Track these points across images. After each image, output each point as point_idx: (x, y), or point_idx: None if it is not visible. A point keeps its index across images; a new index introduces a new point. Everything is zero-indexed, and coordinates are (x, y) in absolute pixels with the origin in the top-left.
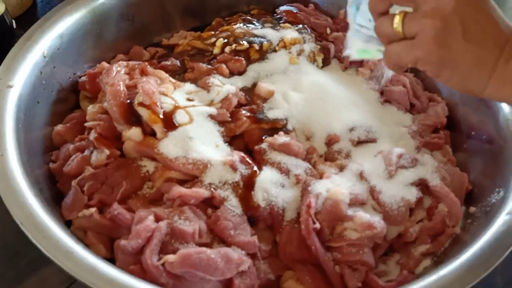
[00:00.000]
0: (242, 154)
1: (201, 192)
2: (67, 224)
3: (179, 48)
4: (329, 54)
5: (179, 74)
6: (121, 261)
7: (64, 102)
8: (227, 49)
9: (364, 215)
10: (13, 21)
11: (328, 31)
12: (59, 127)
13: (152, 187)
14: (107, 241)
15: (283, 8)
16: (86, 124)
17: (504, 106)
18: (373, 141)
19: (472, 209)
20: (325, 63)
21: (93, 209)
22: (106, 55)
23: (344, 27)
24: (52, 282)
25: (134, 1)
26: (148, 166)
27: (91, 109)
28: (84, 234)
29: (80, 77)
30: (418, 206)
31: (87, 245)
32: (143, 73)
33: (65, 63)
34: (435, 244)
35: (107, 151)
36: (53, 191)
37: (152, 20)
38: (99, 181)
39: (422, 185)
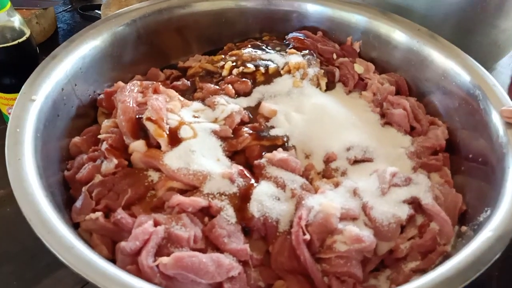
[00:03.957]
0: (241, 168)
1: (198, 201)
2: (76, 227)
3: (192, 70)
4: (334, 78)
5: (189, 94)
6: (120, 261)
7: (84, 117)
8: (235, 71)
9: (353, 229)
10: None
11: (335, 56)
12: (76, 139)
13: (155, 196)
14: (109, 243)
15: (292, 35)
16: (99, 136)
17: (499, 126)
18: (369, 160)
19: (464, 228)
20: (330, 86)
21: (99, 213)
22: (125, 75)
23: (351, 53)
24: (66, 283)
25: (153, 28)
26: (153, 176)
27: (105, 123)
28: (90, 236)
29: (99, 95)
30: (410, 224)
31: (92, 246)
32: (156, 91)
33: (86, 82)
34: (426, 261)
35: (115, 161)
36: (66, 196)
37: (170, 44)
38: (107, 188)
39: (414, 203)
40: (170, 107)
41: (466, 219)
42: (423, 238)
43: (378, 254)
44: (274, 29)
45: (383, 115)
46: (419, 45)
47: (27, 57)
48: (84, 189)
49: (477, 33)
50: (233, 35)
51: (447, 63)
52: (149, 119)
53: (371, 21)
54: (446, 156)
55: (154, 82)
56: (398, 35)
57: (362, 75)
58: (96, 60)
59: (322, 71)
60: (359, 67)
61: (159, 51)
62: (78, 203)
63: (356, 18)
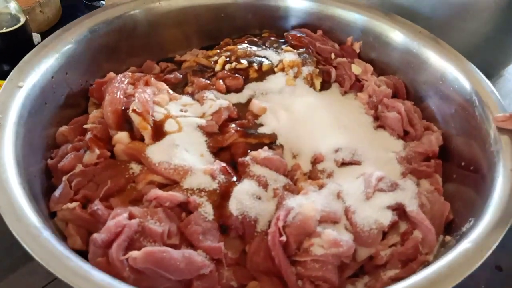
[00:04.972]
0: (224, 165)
1: (176, 196)
2: (53, 216)
3: (186, 64)
4: (330, 78)
5: (181, 87)
6: (92, 253)
7: (74, 107)
8: (227, 66)
9: (331, 233)
10: (39, 36)
11: (333, 56)
12: (64, 128)
13: (135, 188)
14: (84, 235)
15: (291, 32)
16: (85, 126)
17: (492, 134)
18: (357, 163)
19: (448, 238)
20: (326, 86)
21: (76, 203)
22: (120, 67)
23: (350, 53)
24: (41, 272)
25: (151, 20)
26: (135, 168)
27: (94, 113)
28: (66, 225)
29: (91, 85)
30: (392, 230)
31: (66, 236)
32: (147, 84)
33: (78, 72)
34: (406, 270)
35: (97, 151)
36: (47, 185)
37: (168, 38)
38: (87, 178)
39: (399, 209)
40: (158, 100)
41: (452, 229)
42: (404, 246)
43: (357, 260)
44: (275, 26)
45: (377, 117)
46: (419, 48)
47: (22, 44)
48: (64, 178)
49: (483, 38)
50: (233, 31)
51: (446, 67)
52: (134, 111)
53: (371, 21)
54: (439, 163)
55: (146, 74)
56: (398, 36)
57: (359, 76)
58: (90, 50)
59: (317, 70)
60: (356, 68)
61: (157, 44)
62: (57, 192)
63: (357, 18)
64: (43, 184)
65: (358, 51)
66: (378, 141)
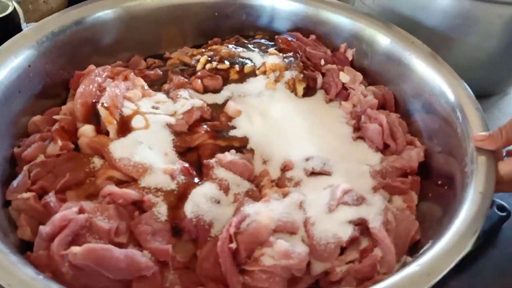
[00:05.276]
0: (186, 165)
1: (131, 193)
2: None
3: (171, 61)
4: (316, 84)
5: (160, 84)
6: (36, 245)
7: (54, 98)
8: (208, 66)
9: (284, 244)
10: None
11: (323, 62)
12: (37, 117)
13: (94, 183)
14: (36, 226)
15: (282, 35)
16: (54, 117)
17: (470, 154)
18: (327, 174)
19: (409, 258)
20: (310, 93)
21: (31, 194)
22: (108, 60)
23: (342, 61)
24: None
25: (141, 15)
26: (96, 163)
27: (68, 105)
28: (19, 216)
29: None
30: (352, 246)
31: (17, 226)
32: (126, 79)
33: (58, 63)
34: None
35: (60, 143)
36: (10, 173)
37: (164, 35)
38: (46, 169)
39: (362, 225)
40: (129, 96)
41: (417, 249)
42: (362, 263)
43: (311, 274)
44: (269, 28)
45: (358, 128)
46: (410, 58)
47: (9, 32)
48: (25, 167)
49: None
50: (229, 31)
51: (435, 80)
52: (103, 105)
53: (365, 28)
54: (417, 179)
55: (127, 69)
56: (391, 46)
57: (347, 84)
58: (74, 42)
59: (301, 75)
60: (344, 76)
61: (150, 40)
62: (15, 181)
63: (351, 24)
64: (6, 172)
65: (350, 58)
66: (354, 153)
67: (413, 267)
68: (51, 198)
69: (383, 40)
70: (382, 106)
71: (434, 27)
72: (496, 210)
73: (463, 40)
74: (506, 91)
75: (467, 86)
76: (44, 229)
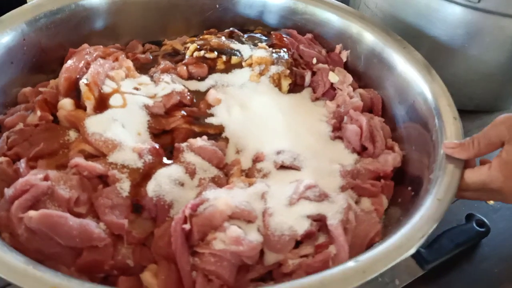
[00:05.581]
0: (156, 146)
1: (96, 167)
2: None
3: (164, 47)
4: (304, 81)
5: (148, 68)
6: (0, 206)
7: (48, 73)
8: (196, 53)
9: (236, 230)
10: None
11: (314, 61)
12: (27, 89)
13: (66, 155)
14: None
15: (278, 32)
16: (40, 89)
17: (438, 163)
18: (296, 168)
19: None
20: (296, 89)
21: (4, 158)
22: (107, 43)
23: (336, 61)
24: None
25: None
26: (71, 135)
27: (57, 79)
28: None
29: None
30: (308, 241)
31: None
32: (116, 59)
33: (56, 38)
34: None
35: (39, 113)
36: None
37: (165, 23)
38: (23, 137)
39: (322, 221)
40: (112, 75)
41: None
42: (314, 258)
43: (264, 264)
44: (270, 24)
45: (339, 128)
46: (400, 64)
47: (13, 4)
48: (4, 134)
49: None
50: (231, 24)
51: (421, 87)
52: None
53: (361, 31)
54: (389, 184)
55: (119, 51)
56: (383, 51)
57: (336, 84)
58: (71, 20)
59: (288, 71)
60: (333, 76)
61: (148, 27)
62: None
63: (347, 26)
64: None
65: (345, 60)
66: (328, 151)
67: (351, 263)
68: (21, 164)
69: (376, 44)
70: (369, 109)
71: (436, 35)
72: (475, 225)
73: (465, 51)
74: (510, 108)
75: (450, 96)
76: (8, 191)
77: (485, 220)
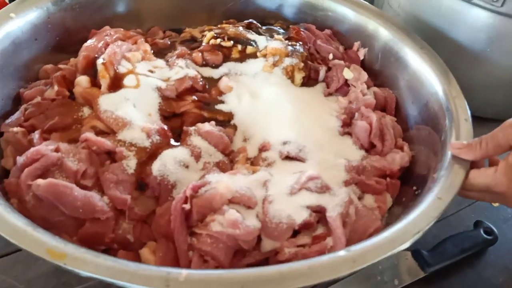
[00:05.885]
0: (164, 127)
1: (104, 143)
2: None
3: (183, 34)
4: (318, 76)
5: (165, 53)
6: (11, 172)
7: (72, 53)
8: (212, 41)
9: (234, 213)
10: None
11: (331, 56)
12: (49, 66)
13: (79, 130)
14: None
15: (297, 26)
16: (60, 65)
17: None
18: (301, 160)
19: None
20: (310, 83)
21: (21, 129)
22: (130, 27)
23: (353, 59)
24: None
25: None
26: (85, 112)
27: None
28: (7, 147)
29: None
30: (306, 231)
31: (3, 156)
32: (135, 43)
33: (80, 20)
34: None
35: (56, 88)
36: (14, 110)
37: (187, 11)
38: (39, 110)
39: (321, 213)
40: (128, 56)
41: None
42: (310, 248)
43: (261, 251)
44: (290, 19)
45: (349, 124)
46: (415, 64)
47: None
48: (23, 106)
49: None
50: (250, 16)
51: (436, 87)
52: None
53: (379, 28)
54: (395, 183)
55: (139, 35)
56: (400, 50)
57: (350, 81)
58: (96, 3)
59: (302, 64)
60: (348, 73)
61: (170, 14)
62: (12, 116)
63: (366, 24)
64: (7, 108)
65: (362, 57)
66: (334, 146)
67: (342, 252)
68: (35, 135)
69: (394, 43)
70: (382, 108)
71: (456, 37)
72: (482, 232)
73: (485, 56)
74: None
75: (463, 98)
76: (20, 159)
77: (494, 228)
